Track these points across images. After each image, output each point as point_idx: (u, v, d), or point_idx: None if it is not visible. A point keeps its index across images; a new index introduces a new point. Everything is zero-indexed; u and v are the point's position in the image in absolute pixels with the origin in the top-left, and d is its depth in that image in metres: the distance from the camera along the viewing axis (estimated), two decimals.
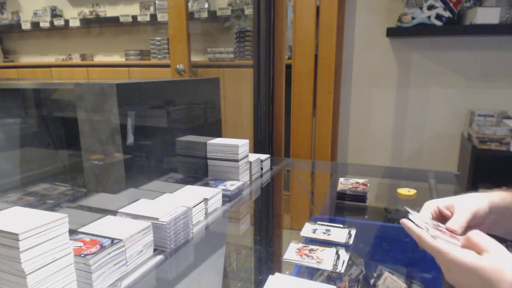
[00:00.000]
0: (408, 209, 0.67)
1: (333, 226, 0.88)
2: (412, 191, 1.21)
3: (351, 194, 1.15)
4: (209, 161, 1.19)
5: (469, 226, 0.64)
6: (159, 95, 1.06)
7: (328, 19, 2.06)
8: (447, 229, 0.63)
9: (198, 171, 1.19)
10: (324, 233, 0.85)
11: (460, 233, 0.62)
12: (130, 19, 3.16)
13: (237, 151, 1.15)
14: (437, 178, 1.38)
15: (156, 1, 3.08)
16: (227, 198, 1.06)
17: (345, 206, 1.15)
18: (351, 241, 0.81)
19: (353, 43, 2.29)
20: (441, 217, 0.68)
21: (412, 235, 0.56)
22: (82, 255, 0.60)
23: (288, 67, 2.05)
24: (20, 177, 1.15)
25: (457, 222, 0.63)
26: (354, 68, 2.32)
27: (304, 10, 2.04)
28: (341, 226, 0.88)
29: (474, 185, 1.96)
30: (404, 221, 0.60)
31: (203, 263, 0.81)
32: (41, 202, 1.02)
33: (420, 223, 0.62)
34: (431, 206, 0.68)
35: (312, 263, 0.72)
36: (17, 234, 0.50)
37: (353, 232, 0.85)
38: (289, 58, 2.25)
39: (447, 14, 1.94)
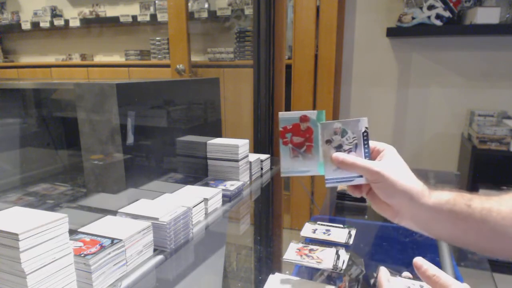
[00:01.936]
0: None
1: (333, 226, 0.88)
2: None
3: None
4: (209, 161, 1.19)
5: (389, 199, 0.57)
6: (159, 95, 1.06)
7: (328, 19, 2.06)
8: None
9: (198, 171, 1.19)
10: (324, 233, 0.85)
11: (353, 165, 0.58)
12: (130, 19, 3.16)
13: (237, 151, 1.15)
14: (437, 178, 1.38)
15: (156, 1, 3.08)
16: (227, 198, 1.06)
17: (345, 206, 1.16)
18: (351, 241, 0.81)
19: (353, 43, 2.29)
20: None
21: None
22: (82, 255, 0.60)
23: (288, 67, 2.05)
24: (20, 177, 1.15)
25: (364, 161, 0.58)
26: (354, 68, 2.32)
27: (304, 10, 2.04)
28: (341, 226, 0.88)
29: (474, 185, 1.96)
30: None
31: (203, 263, 0.81)
32: (41, 202, 1.02)
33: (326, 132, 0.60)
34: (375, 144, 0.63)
35: (312, 263, 0.72)
36: (17, 234, 0.50)
37: (353, 232, 0.85)
38: (289, 58, 2.25)
39: (447, 14, 1.94)
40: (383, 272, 0.54)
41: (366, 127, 0.61)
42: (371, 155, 0.61)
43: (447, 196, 0.56)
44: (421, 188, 0.56)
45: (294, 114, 0.62)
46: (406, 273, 0.57)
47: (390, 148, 0.61)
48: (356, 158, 0.59)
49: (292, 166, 0.63)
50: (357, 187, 0.62)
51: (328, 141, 0.60)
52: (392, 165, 0.57)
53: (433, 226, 0.57)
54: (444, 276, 0.46)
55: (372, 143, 0.62)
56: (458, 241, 0.58)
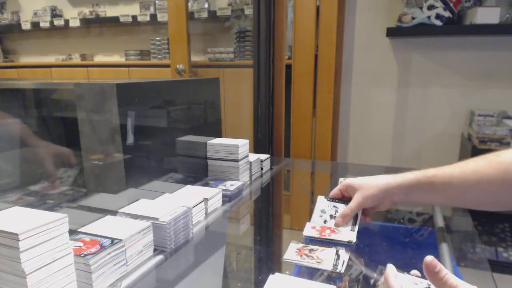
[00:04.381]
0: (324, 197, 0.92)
1: (341, 202, 0.90)
2: None
3: None
4: (209, 161, 1.19)
5: (368, 208, 0.86)
6: (159, 95, 1.06)
7: (328, 19, 2.06)
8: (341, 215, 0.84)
9: (198, 171, 1.19)
10: (331, 216, 0.87)
11: (347, 219, 0.84)
12: (130, 19, 3.16)
13: (237, 151, 1.15)
14: None
15: (156, 1, 3.08)
16: (227, 198, 1.06)
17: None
18: (354, 239, 0.81)
19: (353, 43, 2.29)
20: (348, 194, 0.88)
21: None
22: (82, 255, 0.60)
23: (288, 67, 2.05)
24: (20, 177, 1.15)
25: (345, 212, 0.83)
26: (354, 68, 2.32)
27: (304, 10, 2.04)
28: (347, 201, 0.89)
29: None
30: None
31: (203, 263, 0.81)
32: (41, 202, 1.02)
33: (321, 206, 0.90)
34: (342, 184, 0.89)
35: (312, 263, 0.72)
36: (17, 234, 0.50)
37: (356, 228, 0.85)
38: (289, 58, 2.25)
39: (447, 14, 1.94)
40: (390, 269, 0.55)
41: None
42: (345, 194, 0.91)
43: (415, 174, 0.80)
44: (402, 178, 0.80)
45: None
46: (415, 271, 0.57)
47: (358, 184, 0.86)
48: (347, 209, 0.85)
49: None
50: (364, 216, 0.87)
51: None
52: (366, 193, 0.83)
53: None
54: (452, 277, 0.46)
55: (350, 184, 0.88)
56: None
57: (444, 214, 0.97)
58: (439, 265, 0.47)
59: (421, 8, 1.98)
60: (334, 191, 0.91)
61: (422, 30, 2.02)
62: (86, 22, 3.37)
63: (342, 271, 0.69)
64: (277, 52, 1.78)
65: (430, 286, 0.52)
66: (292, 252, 0.76)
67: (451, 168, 0.75)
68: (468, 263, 0.84)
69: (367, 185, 0.83)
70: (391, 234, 1.01)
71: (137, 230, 0.71)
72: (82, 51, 3.55)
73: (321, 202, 0.92)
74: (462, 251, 0.88)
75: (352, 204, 0.83)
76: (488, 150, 1.86)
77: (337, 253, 0.75)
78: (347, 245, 0.79)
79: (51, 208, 0.98)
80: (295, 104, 2.14)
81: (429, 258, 0.48)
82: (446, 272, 0.47)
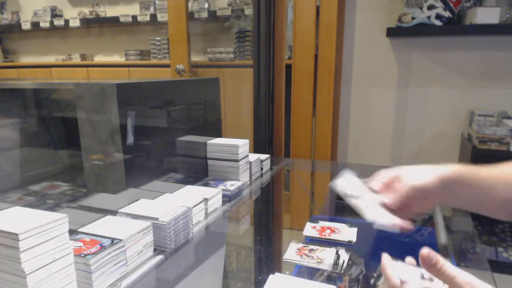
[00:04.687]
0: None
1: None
2: None
3: None
4: (209, 161, 1.19)
5: (413, 199, 0.68)
6: (159, 95, 1.06)
7: (328, 19, 2.06)
8: (385, 204, 0.71)
9: (198, 171, 1.19)
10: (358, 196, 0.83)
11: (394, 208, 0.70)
12: (130, 19, 3.16)
13: (237, 151, 1.15)
14: None
15: (156, 1, 3.08)
16: (227, 198, 1.06)
17: (345, 206, 1.15)
18: (354, 239, 0.81)
19: (353, 43, 2.29)
20: (389, 187, 0.72)
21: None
22: (82, 255, 0.60)
23: (288, 67, 2.05)
24: (20, 177, 1.15)
25: (395, 199, 0.69)
26: (354, 68, 2.32)
27: (304, 10, 2.04)
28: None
29: None
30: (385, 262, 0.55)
31: (203, 263, 0.81)
32: (41, 202, 1.02)
33: (344, 188, 0.75)
34: (381, 176, 0.75)
35: (312, 263, 0.72)
36: (17, 234, 0.50)
37: (354, 230, 0.86)
38: (289, 58, 2.25)
39: (447, 14, 1.94)
40: (386, 259, 0.54)
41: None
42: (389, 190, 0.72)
43: (457, 167, 0.65)
44: (447, 170, 0.65)
45: None
46: (410, 260, 0.57)
47: (403, 173, 0.70)
48: (395, 197, 0.70)
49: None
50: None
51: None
52: (416, 179, 0.67)
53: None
54: (450, 267, 0.46)
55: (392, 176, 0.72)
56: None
57: (444, 214, 0.97)
58: (435, 257, 0.46)
59: (421, 8, 1.97)
60: (379, 185, 0.76)
61: (422, 30, 2.01)
62: (86, 22, 3.37)
63: (342, 271, 0.69)
64: (277, 52, 1.78)
65: (424, 275, 0.53)
66: (292, 252, 0.76)
67: (483, 167, 0.65)
68: (468, 263, 0.84)
69: (416, 172, 0.69)
70: (391, 234, 1.01)
71: (137, 230, 0.71)
72: (82, 51, 3.55)
73: (349, 177, 0.77)
74: (462, 251, 0.88)
75: (397, 194, 0.69)
76: (488, 150, 1.86)
77: (337, 253, 0.75)
78: (347, 245, 0.79)
79: (51, 208, 0.98)
80: (295, 104, 2.14)
81: (425, 251, 0.47)
82: (443, 262, 0.46)
